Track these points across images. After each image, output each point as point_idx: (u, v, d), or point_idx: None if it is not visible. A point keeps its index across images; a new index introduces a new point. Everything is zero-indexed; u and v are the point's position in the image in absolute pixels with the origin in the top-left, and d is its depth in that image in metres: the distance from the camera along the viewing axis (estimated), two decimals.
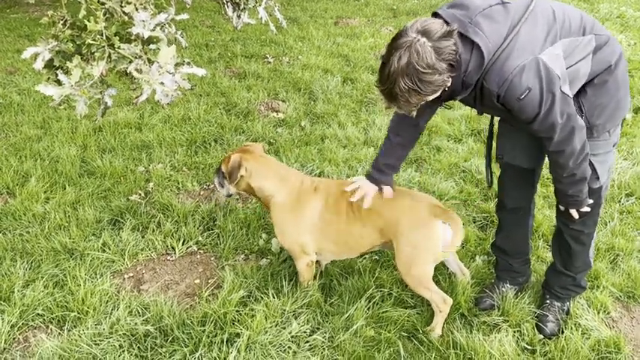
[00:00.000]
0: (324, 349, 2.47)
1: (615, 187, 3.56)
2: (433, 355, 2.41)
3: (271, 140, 4.50)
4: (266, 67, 6.35)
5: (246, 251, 3.22)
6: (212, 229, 3.40)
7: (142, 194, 3.77)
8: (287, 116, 5.01)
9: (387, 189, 2.55)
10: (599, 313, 2.60)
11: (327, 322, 2.63)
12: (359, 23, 8.36)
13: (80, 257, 3.11)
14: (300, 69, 6.22)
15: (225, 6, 2.60)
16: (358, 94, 5.51)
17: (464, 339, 2.44)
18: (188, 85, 1.70)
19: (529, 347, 2.45)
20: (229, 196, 2.87)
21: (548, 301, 2.62)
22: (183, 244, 3.26)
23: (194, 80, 5.92)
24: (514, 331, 2.51)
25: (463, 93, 2.05)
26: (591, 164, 2.22)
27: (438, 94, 1.97)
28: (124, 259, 3.12)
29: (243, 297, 2.73)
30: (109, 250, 3.18)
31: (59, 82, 1.60)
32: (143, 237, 3.31)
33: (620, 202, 3.44)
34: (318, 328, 2.59)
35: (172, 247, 3.24)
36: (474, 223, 3.39)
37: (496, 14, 1.98)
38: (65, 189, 3.80)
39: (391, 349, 2.44)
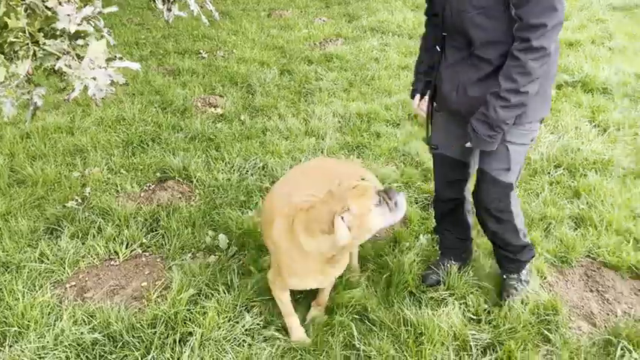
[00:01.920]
0: (278, 339, 2.47)
1: (544, 160, 3.76)
2: (385, 334, 2.46)
3: (211, 136, 4.43)
4: (200, 63, 6.24)
5: (193, 250, 3.16)
6: (156, 230, 3.32)
7: (79, 200, 3.63)
8: (225, 111, 4.95)
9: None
10: (537, 278, 2.73)
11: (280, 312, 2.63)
12: (292, 15, 8.34)
13: (16, 270, 2.96)
14: (235, 63, 6.15)
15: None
16: (296, 85, 5.51)
17: (414, 315, 2.51)
18: (122, 79, 1.65)
19: (475, 317, 2.55)
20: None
21: (504, 276, 2.68)
22: (126, 247, 3.16)
23: (128, 77, 5.73)
24: (460, 304, 2.61)
25: None
26: (507, 152, 2.24)
27: None
28: (65, 269, 2.99)
29: (192, 295, 2.69)
30: (48, 260, 3.04)
31: None
32: (83, 244, 3.19)
33: (549, 173, 3.63)
34: (272, 320, 2.59)
35: (115, 252, 3.14)
36: (417, 203, 3.48)
37: None
38: None
39: (345, 332, 2.48)
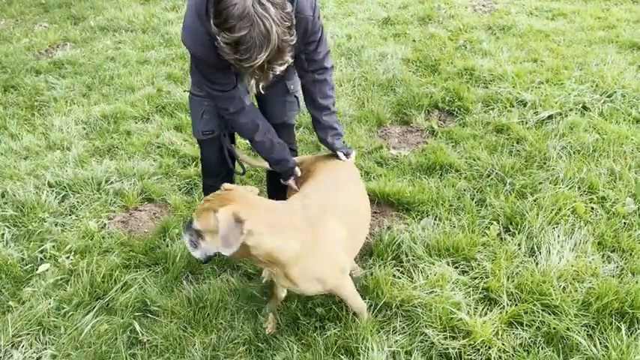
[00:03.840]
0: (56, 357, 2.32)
1: None
2: (170, 319, 2.50)
3: None
4: None
5: None
6: None
7: None
8: None
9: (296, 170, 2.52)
10: None
11: (55, 337, 2.46)
12: (6, 25, 7.42)
13: None
14: None
15: None
16: (26, 99, 4.98)
17: (193, 292, 2.58)
18: None
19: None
20: (209, 260, 2.01)
21: None
22: None
23: None
24: (233, 269, 2.77)
25: None
26: (297, 100, 2.58)
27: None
28: None
29: None
30: None
31: None
32: None
33: None
34: (45, 347, 2.41)
35: None
36: (180, 190, 3.52)
37: None
38: None
39: (128, 332, 2.44)
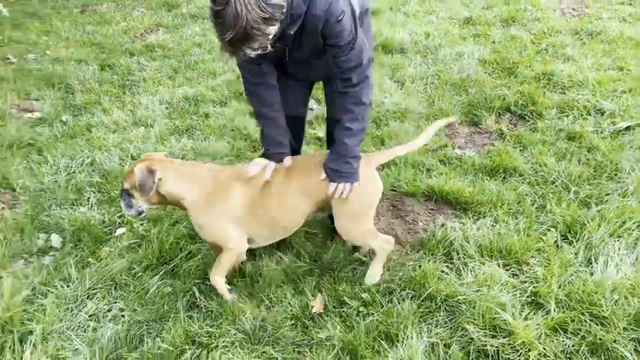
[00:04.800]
0: (123, 316, 2.56)
1: None
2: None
3: (30, 141, 4.23)
4: (9, 68, 5.80)
5: (25, 255, 3.07)
6: None
7: None
8: (44, 114, 4.72)
9: (287, 159, 2.55)
10: None
11: (125, 293, 2.71)
12: (108, 9, 8.02)
13: None
14: (50, 64, 5.83)
15: None
16: (119, 78, 5.41)
17: (247, 269, 2.76)
18: None
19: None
20: (140, 214, 2.56)
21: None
22: None
23: None
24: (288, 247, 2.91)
25: (293, 27, 2.16)
26: None
27: (278, 23, 2.02)
28: None
29: (28, 296, 2.66)
30: None
31: None
32: None
33: None
34: (116, 301, 2.67)
35: None
36: None
37: None
38: None
39: (188, 296, 2.65)
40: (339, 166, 2.39)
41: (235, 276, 2.74)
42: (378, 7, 6.77)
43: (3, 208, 3.49)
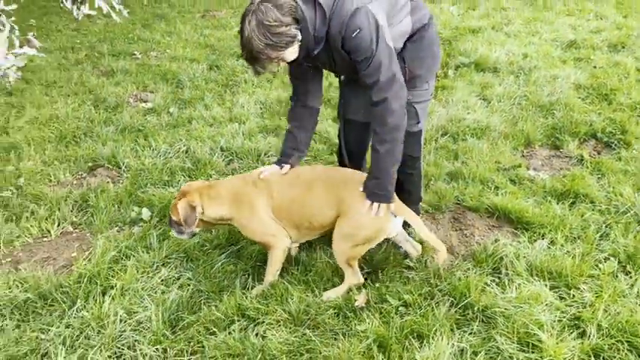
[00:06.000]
0: (189, 285, 2.88)
1: (434, 130, 4.29)
2: (282, 275, 2.91)
3: (140, 127, 4.79)
4: (134, 63, 6.55)
5: (119, 224, 3.53)
6: (86, 210, 3.67)
7: (14, 190, 3.93)
8: (155, 105, 5.30)
9: (285, 166, 2.80)
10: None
11: (194, 265, 3.04)
12: (225, 15, 8.72)
13: None
14: (167, 61, 6.50)
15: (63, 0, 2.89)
16: (223, 78, 5.91)
17: (304, 257, 2.96)
18: (21, 63, 2.03)
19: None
20: (193, 235, 2.93)
21: None
22: (58, 226, 3.50)
23: (62, 80, 6.03)
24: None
25: (317, 47, 2.37)
26: (415, 110, 2.72)
27: (294, 49, 2.32)
28: (0, 248, 3.31)
29: (114, 256, 3.07)
30: None
31: None
32: (17, 226, 3.50)
33: (436, 140, 4.16)
34: (185, 272, 3.00)
35: (48, 230, 3.47)
36: None
37: None
38: None
39: (246, 275, 2.92)
40: (373, 187, 2.54)
41: (291, 262, 2.97)
42: (479, 25, 6.75)
43: (108, 182, 4.01)
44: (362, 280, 2.76)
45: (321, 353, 2.37)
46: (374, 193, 2.54)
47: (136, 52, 6.99)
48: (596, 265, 2.69)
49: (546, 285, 2.59)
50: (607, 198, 3.25)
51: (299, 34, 2.29)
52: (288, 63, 2.43)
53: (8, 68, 1.96)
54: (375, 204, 2.53)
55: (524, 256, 2.76)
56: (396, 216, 2.63)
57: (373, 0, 2.34)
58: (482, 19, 7.14)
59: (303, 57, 2.42)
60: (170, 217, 2.83)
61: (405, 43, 2.61)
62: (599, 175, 3.51)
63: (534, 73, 5.11)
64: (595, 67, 5.21)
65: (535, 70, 5.20)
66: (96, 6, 2.90)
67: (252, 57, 2.28)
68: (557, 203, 3.24)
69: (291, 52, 2.33)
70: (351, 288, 2.75)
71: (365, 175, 2.68)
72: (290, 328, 2.55)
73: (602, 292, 2.51)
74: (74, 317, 2.68)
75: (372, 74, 2.35)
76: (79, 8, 2.86)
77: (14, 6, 2.14)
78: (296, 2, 2.27)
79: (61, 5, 2.86)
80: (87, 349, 2.48)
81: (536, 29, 6.50)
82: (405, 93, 2.44)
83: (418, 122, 2.80)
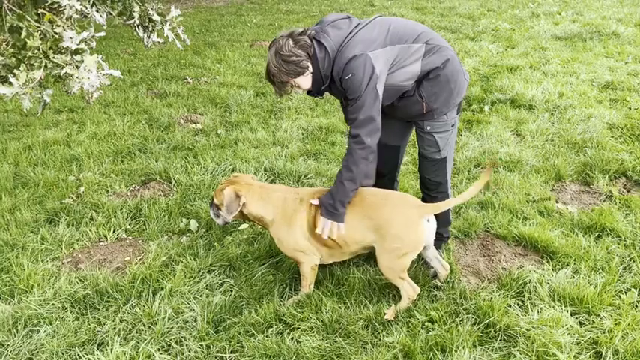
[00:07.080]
0: (231, 291, 3.13)
1: (467, 161, 4.48)
2: (317, 287, 3.13)
3: (190, 146, 5.15)
4: (186, 87, 7.00)
5: (169, 233, 3.83)
6: (139, 219, 3.99)
7: (75, 197, 4.30)
8: (204, 126, 5.68)
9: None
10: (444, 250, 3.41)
11: (236, 273, 3.29)
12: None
13: (22, 249, 3.61)
14: (217, 87, 6.92)
15: (136, 29, 3.27)
16: (269, 104, 6.27)
17: (338, 272, 3.17)
18: (108, 82, 2.36)
19: None
20: (226, 224, 3.13)
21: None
22: (113, 232, 3.83)
23: (119, 100, 6.49)
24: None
25: (325, 83, 2.79)
26: (434, 140, 2.97)
27: (306, 79, 2.74)
28: (62, 248, 3.65)
29: (165, 261, 3.36)
30: (47, 242, 3.70)
31: (10, 84, 2.20)
32: (78, 230, 3.85)
33: (469, 171, 4.35)
34: (228, 279, 3.25)
35: (104, 235, 3.80)
36: None
37: (341, 24, 2.78)
38: (1, 199, 4.27)
39: (284, 285, 3.15)
40: (328, 204, 2.80)
41: (325, 276, 3.18)
42: (517, 64, 6.94)
43: (160, 195, 4.34)
44: (418, 289, 2.88)
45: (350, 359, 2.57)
46: (328, 211, 2.80)
47: (187, 77, 7.45)
48: (617, 295, 2.81)
49: (567, 310, 2.73)
50: (633, 233, 3.36)
51: (310, 67, 2.72)
52: (307, 93, 2.89)
53: (99, 88, 2.29)
54: (325, 221, 2.81)
55: (548, 282, 2.91)
56: (429, 220, 2.80)
57: (379, 44, 2.69)
58: (520, 57, 7.33)
59: (320, 89, 2.84)
60: (212, 199, 3.07)
61: (422, 81, 2.86)
62: (627, 212, 3.62)
63: (569, 112, 5.26)
64: (630, 108, 5.31)
65: (570, 108, 5.35)
66: (165, 35, 3.24)
67: (269, 79, 2.82)
68: (584, 235, 3.37)
69: (304, 81, 2.78)
70: (412, 299, 2.88)
71: (403, 195, 2.92)
72: (323, 335, 2.75)
73: (621, 319, 2.63)
74: (128, 313, 2.96)
75: (354, 112, 2.68)
76: (149, 37, 3.22)
77: (103, 33, 2.49)
78: (312, 42, 2.71)
79: (134, 33, 3.20)
80: (139, 342, 2.74)
81: (574, 69, 6.65)
82: (378, 134, 2.73)
83: (439, 150, 3.02)
